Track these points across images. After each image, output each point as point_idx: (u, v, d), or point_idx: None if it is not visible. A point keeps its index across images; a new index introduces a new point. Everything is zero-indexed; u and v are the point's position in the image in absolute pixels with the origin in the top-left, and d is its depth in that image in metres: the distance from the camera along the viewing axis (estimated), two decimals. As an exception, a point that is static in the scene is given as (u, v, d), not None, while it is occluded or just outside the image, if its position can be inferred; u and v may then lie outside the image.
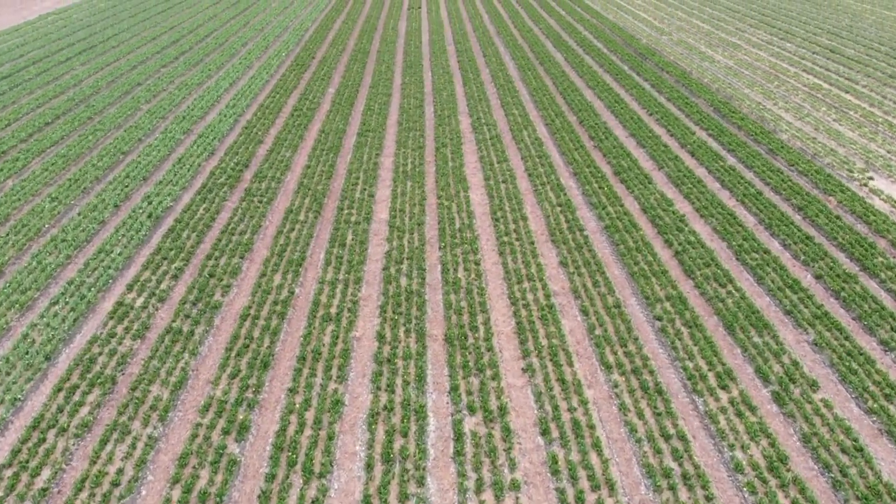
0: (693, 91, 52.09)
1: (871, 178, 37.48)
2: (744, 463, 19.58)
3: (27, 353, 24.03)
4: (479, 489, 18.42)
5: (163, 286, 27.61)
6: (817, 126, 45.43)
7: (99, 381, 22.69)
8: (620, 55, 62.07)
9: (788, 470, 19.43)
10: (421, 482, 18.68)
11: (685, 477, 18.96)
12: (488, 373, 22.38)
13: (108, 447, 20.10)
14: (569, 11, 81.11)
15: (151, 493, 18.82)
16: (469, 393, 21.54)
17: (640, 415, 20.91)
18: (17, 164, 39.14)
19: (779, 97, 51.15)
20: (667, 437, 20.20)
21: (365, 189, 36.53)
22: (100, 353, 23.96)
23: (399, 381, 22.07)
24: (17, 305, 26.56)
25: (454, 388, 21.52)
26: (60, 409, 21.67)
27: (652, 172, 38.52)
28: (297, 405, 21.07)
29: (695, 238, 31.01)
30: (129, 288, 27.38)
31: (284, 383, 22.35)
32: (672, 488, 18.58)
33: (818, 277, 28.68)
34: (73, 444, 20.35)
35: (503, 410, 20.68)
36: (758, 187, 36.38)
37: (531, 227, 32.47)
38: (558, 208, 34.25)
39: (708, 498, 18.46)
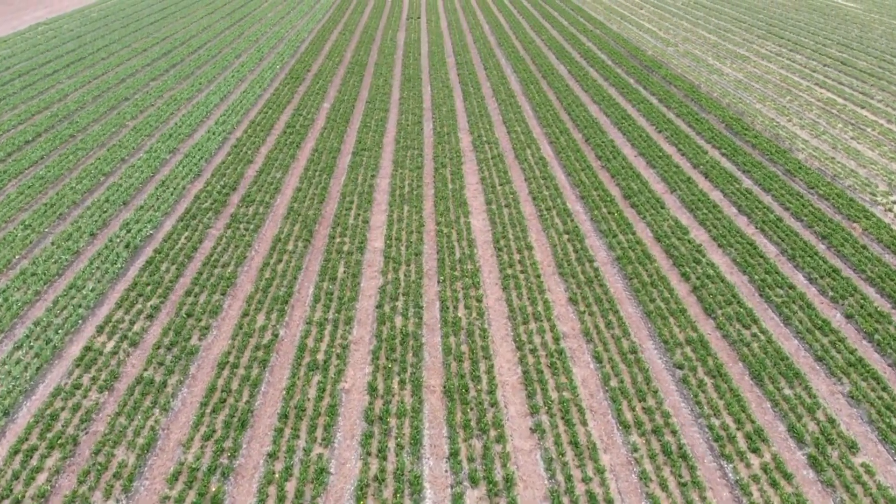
0: (703, 106, 50.00)
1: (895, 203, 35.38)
2: (782, 543, 17.31)
3: (-18, 407, 21.77)
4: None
5: (136, 328, 25.34)
6: (835, 144, 43.30)
7: (59, 441, 20.38)
8: (626, 67, 60.05)
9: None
10: (416, 569, 16.38)
11: (717, 562, 16.67)
12: (492, 434, 20.07)
13: (64, 523, 17.80)
14: (572, 22, 79.24)
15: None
16: (471, 459, 19.24)
17: (664, 485, 18.60)
18: (-9, 186, 37.02)
19: (792, 113, 49.05)
20: (694, 512, 17.90)
21: (359, 214, 34.33)
22: (63, 408, 21.66)
23: (392, 444, 19.76)
24: (-24, 350, 24.33)
25: (454, 454, 19.21)
26: (16, 476, 19.34)
27: (664, 196, 36.32)
28: (277, 474, 18.75)
29: (713, 271, 28.76)
30: (100, 330, 25.09)
31: (264, 446, 20.03)
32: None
33: (849, 317, 26.41)
34: (25, 520, 18.05)
35: (509, 481, 18.36)
36: (777, 213, 34.17)
37: (537, 258, 30.23)
38: (565, 236, 32.03)
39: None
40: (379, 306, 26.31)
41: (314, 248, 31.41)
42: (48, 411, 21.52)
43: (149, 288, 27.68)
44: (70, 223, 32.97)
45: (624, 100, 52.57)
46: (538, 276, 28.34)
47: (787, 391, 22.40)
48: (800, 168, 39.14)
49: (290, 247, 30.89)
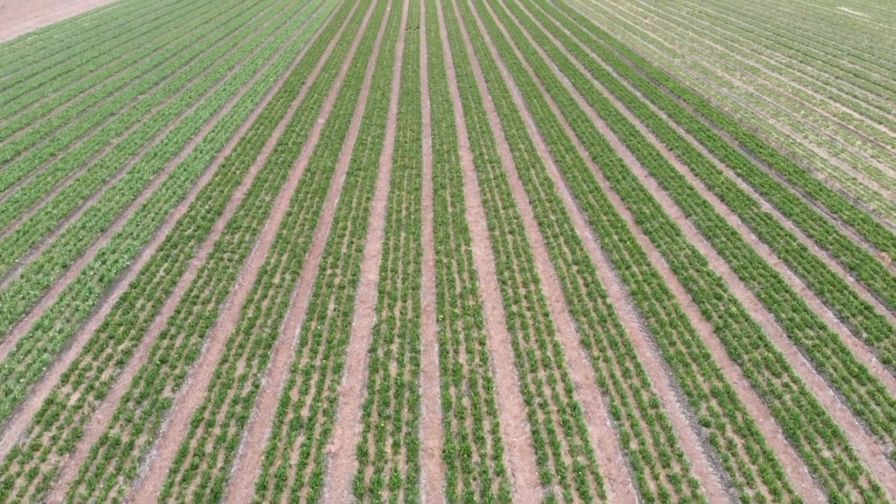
0: (714, 122, 47.86)
1: (927, 229, 33.11)
2: None
3: (-74, 472, 19.44)
4: None
5: (104, 376, 23.01)
6: (855, 164, 41.12)
7: (8, 515, 18.06)
8: (632, 80, 57.98)
9: None
10: None
11: None
12: (498, 509, 17.74)
13: None
14: (574, 32, 77.30)
15: None
16: (474, 542, 16.91)
17: (695, 574, 16.26)
18: (-39, 210, 34.78)
19: (808, 129, 46.91)
20: None
21: (352, 242, 32.06)
22: (19, 473, 19.30)
23: (384, 522, 17.44)
24: (-73, 402, 22.01)
25: (455, 536, 16.88)
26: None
27: (678, 221, 34.08)
28: (253, 561, 16.42)
29: (736, 308, 26.47)
30: (65, 379, 22.76)
31: (239, 524, 17.71)
32: None
33: (886, 362, 24.10)
34: None
35: (518, 571, 16.03)
36: (800, 241, 31.92)
37: (544, 293, 27.93)
38: (574, 267, 29.75)
39: None
40: (372, 350, 23.99)
41: (303, 280, 29.12)
42: (2, 478, 19.19)
43: (121, 329, 25.36)
44: (42, 253, 30.68)
45: (631, 114, 50.45)
46: (546, 315, 26.03)
47: (826, 453, 20.07)
48: (820, 190, 36.92)
49: (276, 280, 28.60)
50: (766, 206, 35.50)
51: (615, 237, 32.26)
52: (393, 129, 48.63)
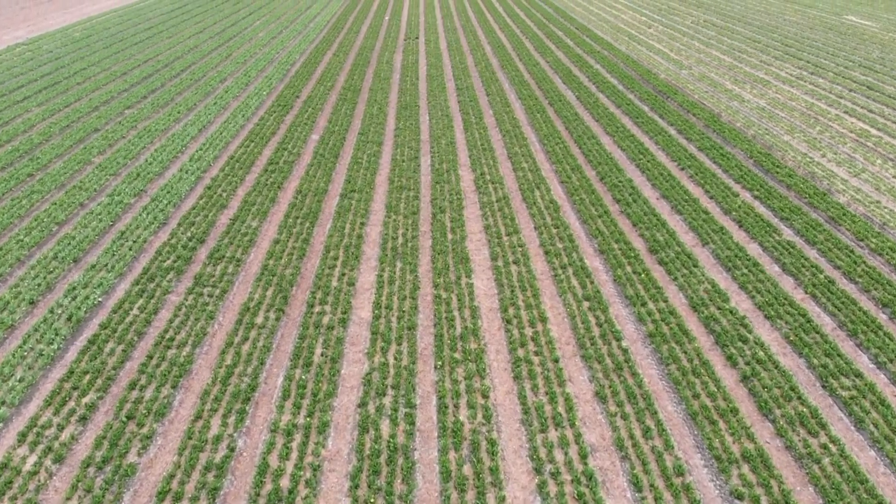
0: (727, 138, 45.67)
1: (963, 259, 30.81)
2: None
3: None
4: None
5: (65, 435, 20.63)
6: (877, 185, 38.88)
7: None
8: (638, 93, 55.86)
9: None
10: None
11: None
12: None
13: None
14: (578, 42, 75.32)
15: None
16: None
17: None
18: (-73, 238, 32.50)
19: (825, 146, 44.71)
20: None
21: (344, 274, 29.75)
22: (-45, 555, 16.98)
23: None
24: None
25: None
26: None
27: (695, 250, 31.78)
28: None
29: (764, 353, 24.12)
30: (22, 438, 20.39)
31: None
32: None
33: (934, 415, 21.77)
34: None
35: None
36: (827, 273, 29.60)
37: (553, 334, 25.59)
38: (585, 303, 27.41)
39: None
40: (362, 404, 21.61)
41: (289, 319, 26.76)
42: (-64, 562, 16.83)
43: (87, 378, 22.99)
44: (9, 288, 28.35)
45: (639, 130, 48.27)
46: (556, 361, 23.68)
47: (877, 531, 17.72)
48: (844, 214, 34.65)
49: (259, 319, 26.24)
50: (787, 233, 33.21)
51: (628, 268, 29.95)
52: (390, 147, 46.44)
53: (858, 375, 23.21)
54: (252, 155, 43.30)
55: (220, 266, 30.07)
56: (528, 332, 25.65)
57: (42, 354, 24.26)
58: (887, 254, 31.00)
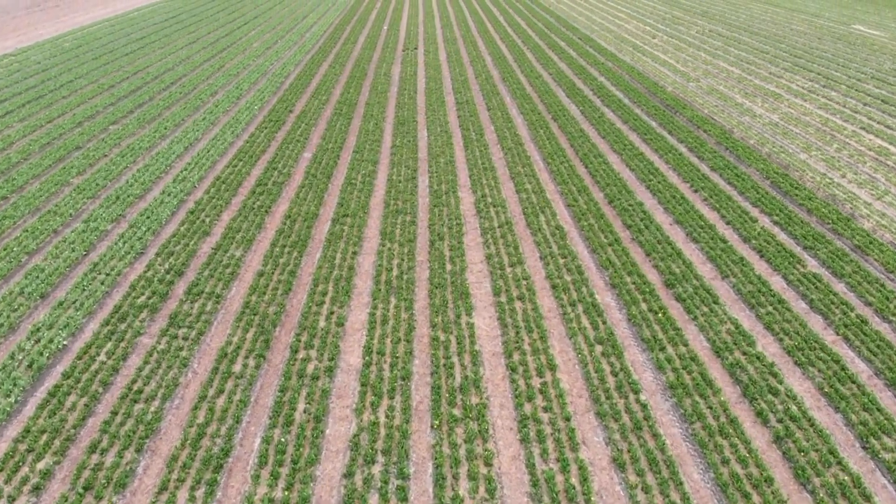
0: (740, 157, 43.37)
1: None
2: None
3: None
4: None
5: (9, 512, 18.23)
6: (904, 208, 36.58)
7: None
8: (646, 108, 53.64)
9: None
10: None
11: None
12: None
13: None
14: (581, 53, 73.22)
15: None
16: None
17: None
18: None
19: (844, 165, 42.41)
20: None
21: (333, 311, 27.33)
22: None
23: None
24: None
25: None
26: None
27: (714, 283, 29.38)
28: None
29: (797, 408, 21.69)
30: (-41, 514, 18.02)
31: None
32: None
33: None
34: None
35: None
36: (858, 311, 27.18)
37: (563, 385, 23.15)
38: (598, 347, 24.99)
39: None
40: (348, 474, 19.15)
41: (270, 366, 24.32)
42: None
43: (44, 438, 20.55)
44: (-34, 328, 26.01)
45: (648, 148, 45.99)
46: (567, 419, 21.23)
47: None
48: (871, 243, 32.26)
49: (238, 367, 23.81)
50: (812, 264, 30.82)
51: (643, 305, 27.53)
52: (386, 165, 44.14)
53: (904, 435, 20.79)
54: (240, 175, 40.99)
55: (198, 303, 27.65)
56: (536, 382, 23.22)
57: (-5, 410, 21.85)
58: (922, 288, 28.67)
